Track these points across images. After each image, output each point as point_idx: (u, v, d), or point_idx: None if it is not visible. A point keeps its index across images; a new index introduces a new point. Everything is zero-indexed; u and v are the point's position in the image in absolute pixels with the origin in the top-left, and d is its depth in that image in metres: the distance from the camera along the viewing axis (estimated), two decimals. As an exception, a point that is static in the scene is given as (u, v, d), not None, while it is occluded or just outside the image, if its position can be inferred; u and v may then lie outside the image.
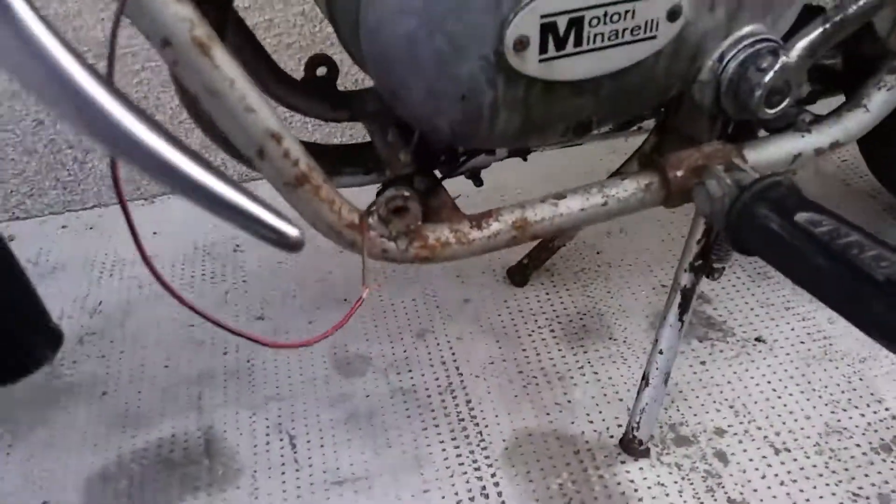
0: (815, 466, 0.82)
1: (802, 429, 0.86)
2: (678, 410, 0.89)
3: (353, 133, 1.32)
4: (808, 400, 0.89)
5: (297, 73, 0.76)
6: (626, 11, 0.59)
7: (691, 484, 0.81)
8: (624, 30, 0.60)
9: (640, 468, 0.83)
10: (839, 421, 0.86)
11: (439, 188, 0.70)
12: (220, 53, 0.46)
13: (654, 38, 0.62)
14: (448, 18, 0.55)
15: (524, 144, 0.73)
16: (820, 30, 0.70)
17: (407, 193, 0.64)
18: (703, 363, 0.94)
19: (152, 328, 1.03)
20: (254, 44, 0.72)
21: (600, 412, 0.89)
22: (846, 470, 0.81)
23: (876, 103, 0.79)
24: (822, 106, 0.82)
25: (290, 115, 1.18)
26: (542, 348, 0.98)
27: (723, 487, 0.80)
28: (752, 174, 0.67)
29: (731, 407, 0.89)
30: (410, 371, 0.95)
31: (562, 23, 0.58)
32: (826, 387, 0.91)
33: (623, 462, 0.83)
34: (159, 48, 0.44)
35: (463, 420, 0.89)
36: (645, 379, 0.81)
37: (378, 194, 0.65)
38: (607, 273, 1.08)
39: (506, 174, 0.89)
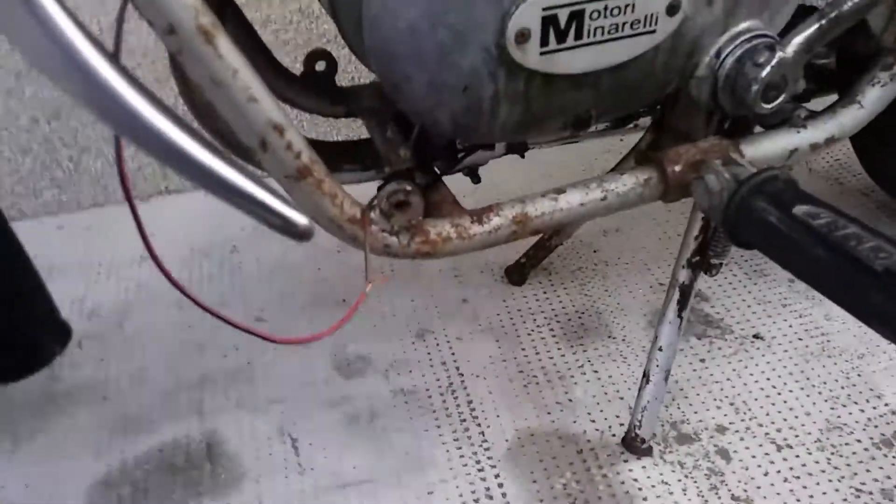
0: (817, 462, 0.82)
1: (803, 425, 0.86)
2: (679, 408, 0.89)
3: (349, 133, 1.32)
4: (807, 396, 0.89)
5: (294, 69, 0.77)
6: (627, 5, 0.60)
7: (695, 482, 0.81)
8: (624, 23, 0.61)
9: (644, 467, 0.82)
10: (839, 417, 0.87)
11: (439, 183, 0.70)
12: (224, 42, 0.46)
13: (653, 32, 0.63)
14: (450, 11, 0.56)
15: (524, 138, 0.74)
16: (816, 26, 0.71)
17: (409, 188, 0.64)
18: (702, 361, 0.95)
19: (151, 330, 1.02)
20: (253, 37, 0.73)
21: (601, 411, 0.89)
22: (848, 466, 0.82)
23: (870, 99, 0.80)
24: (816, 105, 0.83)
25: (287, 111, 1.18)
26: (542, 347, 0.98)
27: (726, 485, 0.80)
28: (749, 168, 0.68)
29: (732, 404, 0.89)
30: (411, 372, 0.95)
31: (563, 15, 0.58)
32: (825, 383, 0.91)
33: (626, 461, 0.83)
34: (164, 35, 0.44)
35: (465, 421, 0.89)
36: (646, 376, 0.81)
37: (379, 189, 0.65)
38: (605, 271, 1.08)
39: (502, 173, 0.90)
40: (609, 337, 0.99)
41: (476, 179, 0.78)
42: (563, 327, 1.00)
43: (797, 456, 0.83)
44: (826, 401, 0.89)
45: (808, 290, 0.63)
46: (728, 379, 0.92)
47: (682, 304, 0.79)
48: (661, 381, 0.81)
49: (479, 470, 0.83)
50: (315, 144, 0.75)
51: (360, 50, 0.65)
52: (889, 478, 0.80)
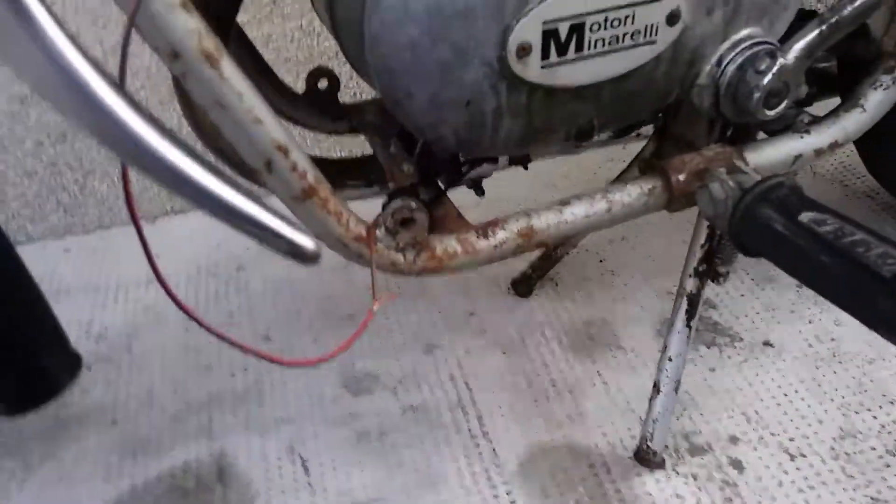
0: (831, 472, 0.81)
1: (816, 433, 0.85)
2: (690, 419, 0.88)
3: (352, 149, 1.33)
4: (819, 404, 0.88)
5: (296, 87, 0.77)
6: (626, 16, 0.60)
7: (709, 494, 0.80)
8: (624, 35, 0.61)
9: (657, 480, 0.82)
10: (853, 424, 0.86)
11: (444, 198, 0.70)
12: (228, 65, 0.47)
13: (653, 42, 0.63)
14: (451, 27, 0.56)
15: (526, 151, 0.74)
16: (816, 31, 0.71)
17: (414, 204, 0.64)
18: (712, 369, 0.94)
19: (159, 352, 1.02)
20: (256, 57, 0.73)
21: (612, 423, 0.88)
22: (863, 474, 0.81)
23: (872, 103, 0.79)
24: (819, 109, 0.83)
25: (290, 129, 1.19)
26: (550, 359, 0.97)
27: (740, 497, 0.79)
28: (754, 176, 0.68)
29: (744, 414, 0.88)
30: (419, 388, 0.95)
31: (563, 29, 0.58)
32: (836, 389, 0.90)
33: (639, 475, 0.82)
34: (168, 61, 0.45)
35: (475, 437, 0.88)
36: (656, 387, 0.81)
37: (384, 206, 0.65)
38: (611, 281, 1.08)
39: (506, 185, 0.90)
40: (617, 347, 0.98)
41: (480, 192, 0.78)
42: (571, 339, 1.00)
43: (811, 465, 0.82)
44: (838, 408, 0.88)
45: (816, 296, 0.63)
46: (739, 388, 0.91)
47: (691, 313, 0.78)
48: (672, 392, 0.81)
49: (491, 487, 0.83)
50: (318, 162, 0.76)
51: (361, 66, 0.66)
52: (905, 485, 0.79)
